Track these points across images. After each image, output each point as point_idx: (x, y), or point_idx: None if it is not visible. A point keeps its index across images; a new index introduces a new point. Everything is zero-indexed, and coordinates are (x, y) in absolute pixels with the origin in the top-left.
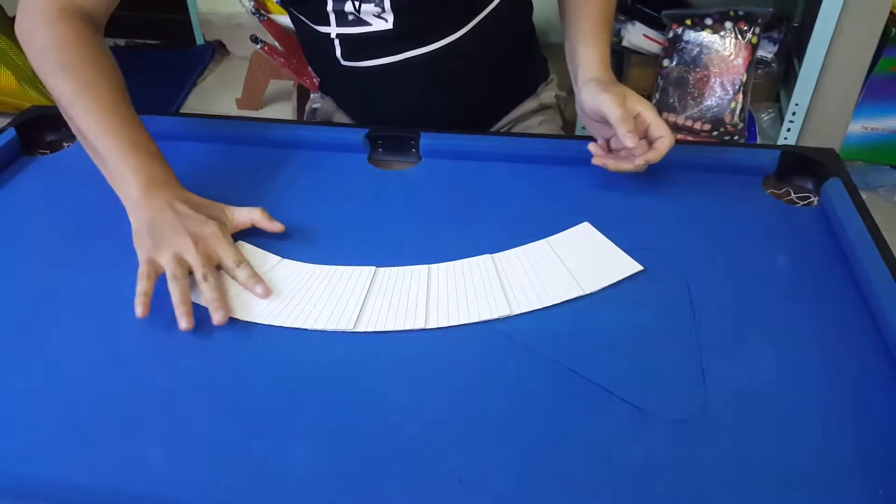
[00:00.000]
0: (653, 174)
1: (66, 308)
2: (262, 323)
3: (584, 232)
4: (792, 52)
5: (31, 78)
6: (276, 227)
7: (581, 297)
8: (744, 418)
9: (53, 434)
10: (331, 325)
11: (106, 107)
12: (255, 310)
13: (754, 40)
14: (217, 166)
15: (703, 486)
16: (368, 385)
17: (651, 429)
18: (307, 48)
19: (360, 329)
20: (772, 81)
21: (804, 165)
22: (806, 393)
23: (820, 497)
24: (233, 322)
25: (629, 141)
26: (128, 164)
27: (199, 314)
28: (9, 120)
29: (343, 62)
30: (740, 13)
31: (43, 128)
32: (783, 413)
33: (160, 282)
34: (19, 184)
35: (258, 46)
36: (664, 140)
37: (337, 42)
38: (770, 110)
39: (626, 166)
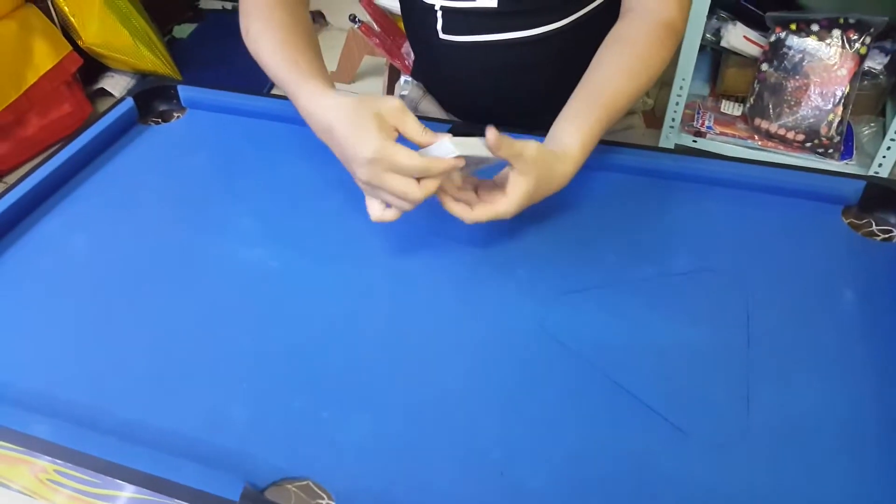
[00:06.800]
0: (729, 193)
1: (167, 269)
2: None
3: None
4: None
5: (146, 39)
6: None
7: (637, 308)
8: (783, 451)
9: (152, 382)
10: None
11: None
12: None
13: (863, 50)
14: (301, 148)
15: None
16: (428, 371)
17: (688, 450)
18: (408, 18)
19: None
20: (879, 94)
21: (891, 198)
22: (850, 435)
23: None
24: (313, 299)
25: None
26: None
27: (288, 289)
28: (124, 76)
29: (442, 35)
30: (851, 21)
31: (156, 98)
32: (823, 451)
33: (259, 266)
34: (134, 150)
35: (356, 25)
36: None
37: (439, 14)
38: (872, 124)
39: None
